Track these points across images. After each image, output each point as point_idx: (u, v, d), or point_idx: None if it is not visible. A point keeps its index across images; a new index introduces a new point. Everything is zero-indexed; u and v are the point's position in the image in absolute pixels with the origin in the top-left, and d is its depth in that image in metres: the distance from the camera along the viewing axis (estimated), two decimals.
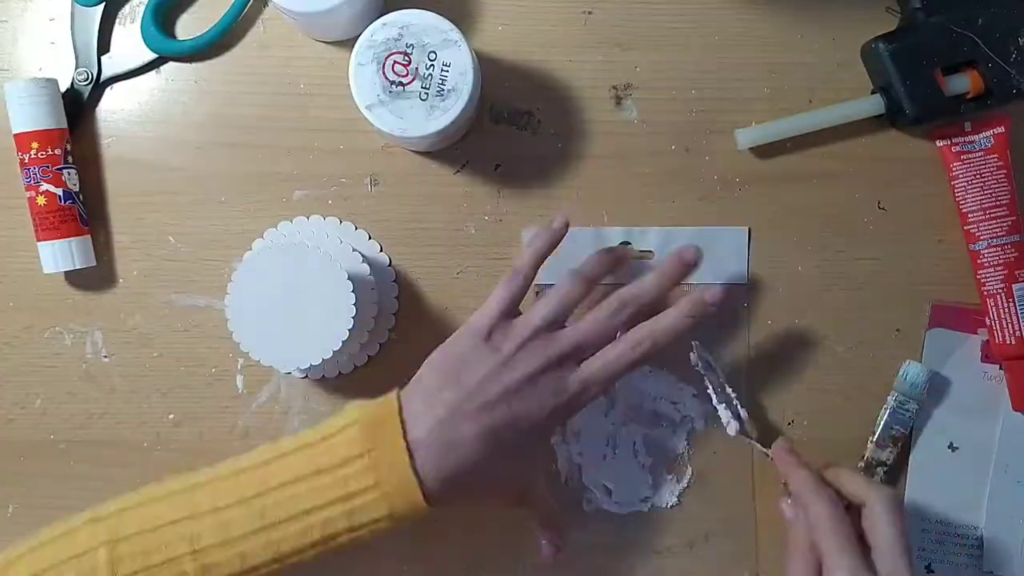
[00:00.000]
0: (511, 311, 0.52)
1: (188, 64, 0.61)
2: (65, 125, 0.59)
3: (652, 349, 0.51)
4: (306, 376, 0.60)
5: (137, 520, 0.47)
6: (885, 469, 0.59)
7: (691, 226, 0.61)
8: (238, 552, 0.46)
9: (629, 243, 0.60)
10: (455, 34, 0.54)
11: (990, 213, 0.59)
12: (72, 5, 0.60)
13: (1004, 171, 0.59)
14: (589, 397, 0.51)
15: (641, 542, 0.60)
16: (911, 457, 0.60)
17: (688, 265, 0.55)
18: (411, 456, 0.47)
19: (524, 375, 0.50)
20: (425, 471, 0.47)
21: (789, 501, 0.54)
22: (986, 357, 0.61)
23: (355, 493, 0.46)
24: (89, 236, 0.60)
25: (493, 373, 0.50)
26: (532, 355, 0.50)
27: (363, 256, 0.57)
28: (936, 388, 0.60)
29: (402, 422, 0.48)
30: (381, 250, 0.60)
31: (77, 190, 0.59)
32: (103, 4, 0.60)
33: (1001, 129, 0.59)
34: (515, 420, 0.49)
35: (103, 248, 0.61)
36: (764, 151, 0.61)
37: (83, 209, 0.59)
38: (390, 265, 0.60)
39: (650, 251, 0.60)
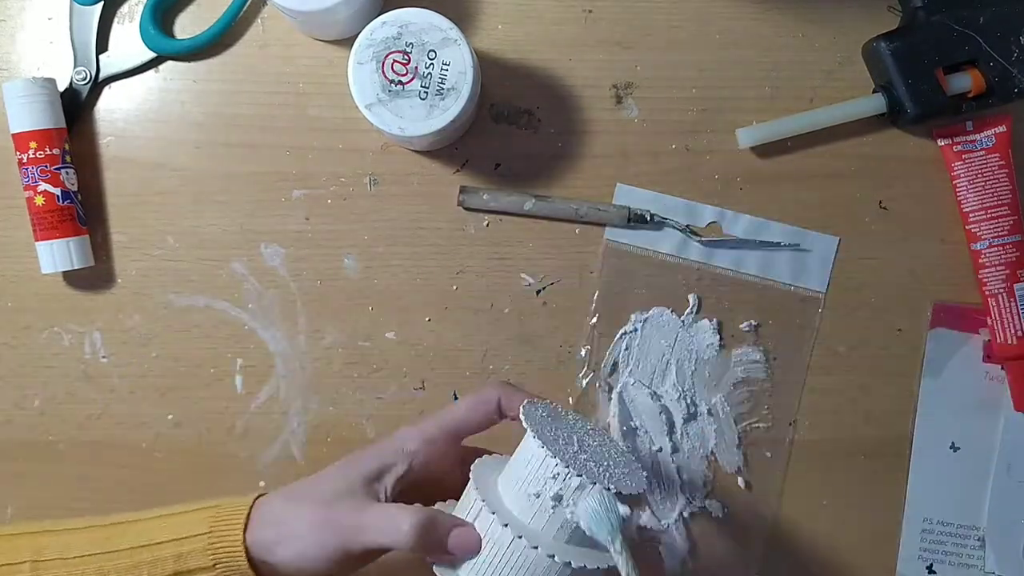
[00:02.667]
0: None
1: (187, 63, 0.61)
2: (63, 124, 0.59)
3: None
4: None
5: None
6: None
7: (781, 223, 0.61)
8: (70, 573, 0.47)
9: (716, 222, 0.60)
10: (455, 33, 0.54)
11: (992, 212, 0.59)
12: (70, 4, 0.60)
13: (1006, 170, 0.59)
14: None
15: None
16: (912, 457, 0.60)
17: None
18: (248, 519, 0.47)
19: None
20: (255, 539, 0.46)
21: None
22: (988, 357, 0.60)
23: (188, 537, 0.47)
24: (87, 236, 0.59)
25: None
26: None
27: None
28: (938, 388, 0.60)
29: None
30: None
31: (75, 190, 0.59)
32: (101, 3, 0.60)
33: (1003, 128, 0.59)
34: None
35: (101, 248, 0.60)
36: (765, 150, 0.61)
37: (81, 209, 0.59)
38: None
39: (733, 236, 0.60)
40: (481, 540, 0.44)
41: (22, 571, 0.47)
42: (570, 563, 0.43)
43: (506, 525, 0.43)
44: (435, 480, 0.49)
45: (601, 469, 0.44)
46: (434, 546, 0.44)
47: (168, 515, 0.48)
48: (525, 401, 0.47)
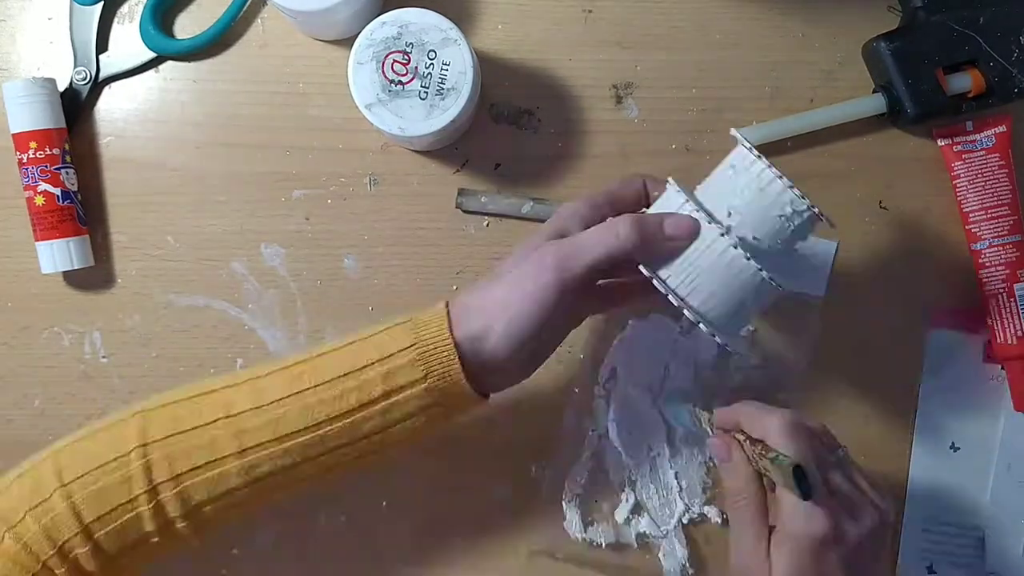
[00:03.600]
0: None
1: (187, 63, 0.61)
2: (63, 125, 0.59)
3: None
4: None
5: (174, 417, 0.47)
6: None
7: None
8: (271, 419, 0.45)
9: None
10: (455, 33, 0.54)
11: (991, 212, 0.59)
12: (70, 4, 0.60)
13: (1006, 170, 0.59)
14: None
15: None
16: (912, 457, 0.60)
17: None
18: (449, 321, 0.47)
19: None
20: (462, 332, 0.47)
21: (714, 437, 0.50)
22: (987, 357, 0.60)
23: (392, 355, 0.46)
24: (87, 236, 0.59)
25: None
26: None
27: None
28: (938, 388, 0.60)
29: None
30: None
31: (75, 190, 0.59)
32: (101, 3, 0.60)
33: (1003, 128, 0.59)
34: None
35: (101, 248, 0.60)
36: (765, 150, 0.60)
37: (81, 209, 0.59)
38: None
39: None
40: (693, 224, 0.46)
41: (217, 428, 0.45)
42: (771, 278, 0.46)
43: (711, 221, 0.46)
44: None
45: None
46: (651, 237, 0.46)
47: (360, 340, 0.47)
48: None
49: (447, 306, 0.48)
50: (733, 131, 0.49)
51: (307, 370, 0.47)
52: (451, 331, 0.46)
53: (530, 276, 0.46)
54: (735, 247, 0.46)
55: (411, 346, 0.46)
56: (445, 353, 0.46)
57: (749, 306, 0.48)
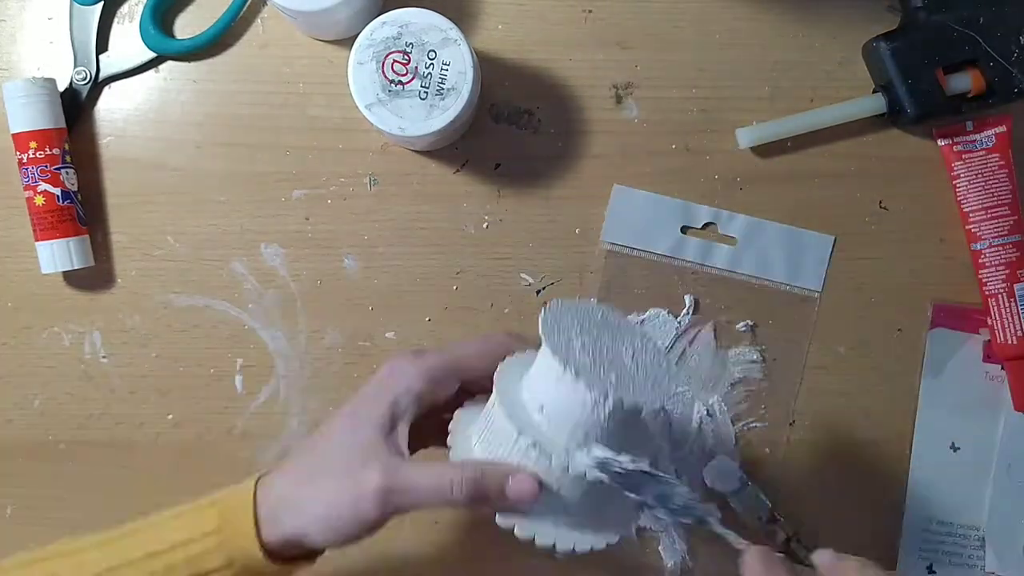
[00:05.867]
0: None
1: (187, 63, 0.61)
2: (63, 125, 0.59)
3: None
4: None
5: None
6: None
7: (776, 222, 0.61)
8: None
9: (712, 223, 0.60)
10: (455, 33, 0.54)
11: (992, 212, 0.59)
12: (70, 4, 0.60)
13: (1006, 170, 0.59)
14: None
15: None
16: (912, 457, 0.60)
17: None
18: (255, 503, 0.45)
19: None
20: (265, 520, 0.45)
21: None
22: (988, 357, 0.60)
23: (196, 539, 0.45)
24: (87, 236, 0.59)
25: None
26: None
27: None
28: (938, 388, 0.60)
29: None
30: None
31: (75, 190, 0.59)
32: (101, 3, 0.60)
33: (1003, 128, 0.59)
34: None
35: (101, 248, 0.60)
36: (765, 150, 0.61)
37: (81, 209, 0.59)
38: None
39: (733, 237, 0.60)
40: (538, 485, 0.43)
41: None
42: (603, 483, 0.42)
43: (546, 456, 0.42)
44: (432, 410, 0.47)
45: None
46: (489, 498, 0.43)
47: (175, 517, 0.46)
48: (550, 304, 0.44)
49: (256, 488, 0.45)
50: (542, 330, 0.43)
51: (127, 545, 0.45)
52: (258, 522, 0.44)
53: (349, 498, 0.43)
54: (586, 476, 0.42)
55: (214, 531, 0.44)
56: (249, 545, 0.44)
57: (619, 509, 0.45)
